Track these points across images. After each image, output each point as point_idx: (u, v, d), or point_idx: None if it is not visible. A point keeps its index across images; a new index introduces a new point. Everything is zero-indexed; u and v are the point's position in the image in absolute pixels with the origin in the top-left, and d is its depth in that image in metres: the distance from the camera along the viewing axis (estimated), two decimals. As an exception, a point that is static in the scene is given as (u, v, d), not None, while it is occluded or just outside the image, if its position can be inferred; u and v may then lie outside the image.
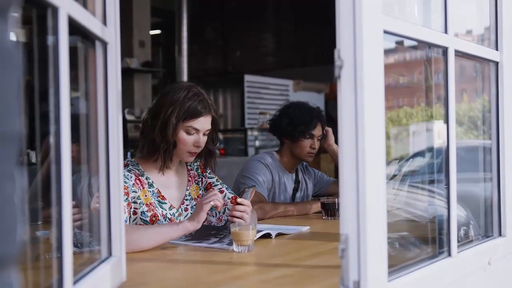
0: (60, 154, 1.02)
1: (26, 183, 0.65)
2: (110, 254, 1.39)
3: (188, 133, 2.22)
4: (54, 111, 1.02)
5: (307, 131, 3.02)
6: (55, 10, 1.01)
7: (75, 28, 1.13)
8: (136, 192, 2.17)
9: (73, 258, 1.06)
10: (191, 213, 2.32)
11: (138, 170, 2.25)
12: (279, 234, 2.21)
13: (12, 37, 0.58)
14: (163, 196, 2.27)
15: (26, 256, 1.13)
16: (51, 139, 1.02)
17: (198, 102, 2.21)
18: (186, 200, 2.36)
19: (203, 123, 2.23)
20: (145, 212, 2.19)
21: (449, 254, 1.53)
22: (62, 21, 1.02)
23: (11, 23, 0.57)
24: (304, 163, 3.24)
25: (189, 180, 2.40)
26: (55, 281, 1.02)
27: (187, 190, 2.38)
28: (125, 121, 5.11)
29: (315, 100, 6.76)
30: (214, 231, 2.15)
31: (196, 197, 2.39)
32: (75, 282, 1.10)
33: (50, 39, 1.03)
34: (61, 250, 1.02)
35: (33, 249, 1.34)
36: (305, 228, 2.38)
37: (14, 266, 0.58)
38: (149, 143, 2.23)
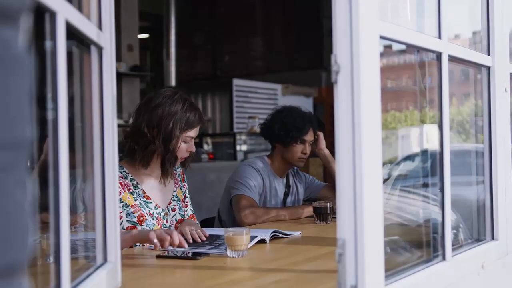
0: (58, 159, 1.01)
1: (36, 189, 0.64)
2: (105, 260, 1.38)
3: (185, 142, 2.32)
4: (52, 115, 1.01)
5: (299, 136, 3.02)
6: (53, 15, 1.00)
7: (71, 32, 1.12)
8: None
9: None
10: (179, 213, 2.42)
11: (121, 173, 2.29)
12: (274, 237, 2.21)
13: (23, 43, 0.58)
14: (148, 196, 2.32)
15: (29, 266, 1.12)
16: (49, 145, 1.01)
17: (195, 113, 2.33)
18: (174, 200, 2.44)
19: (197, 130, 2.37)
20: (131, 214, 2.24)
21: (444, 258, 1.54)
22: (60, 26, 1.01)
23: (22, 29, 0.57)
24: (295, 168, 3.24)
25: (175, 182, 2.48)
26: (53, 287, 1.01)
27: (174, 191, 2.45)
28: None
29: (304, 104, 6.77)
30: (209, 241, 2.14)
31: (181, 199, 2.48)
32: (72, 288, 1.09)
33: (47, 44, 1.02)
34: (58, 256, 1.02)
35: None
36: (297, 233, 2.38)
37: (25, 273, 0.58)
38: (150, 154, 2.28)
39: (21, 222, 0.56)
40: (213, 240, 2.16)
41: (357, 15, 1.17)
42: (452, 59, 1.61)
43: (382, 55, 1.52)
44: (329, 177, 3.53)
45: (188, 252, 1.93)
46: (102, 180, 1.38)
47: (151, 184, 2.36)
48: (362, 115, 1.17)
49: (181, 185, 2.52)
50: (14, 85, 0.55)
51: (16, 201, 0.55)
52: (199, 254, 1.89)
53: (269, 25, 10.18)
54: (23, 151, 0.57)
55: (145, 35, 10.32)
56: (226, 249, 1.90)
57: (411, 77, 1.97)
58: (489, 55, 1.85)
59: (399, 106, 2.04)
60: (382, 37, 1.26)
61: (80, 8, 1.27)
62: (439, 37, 1.54)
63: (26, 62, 0.57)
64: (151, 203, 2.32)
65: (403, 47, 1.59)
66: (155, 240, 1.90)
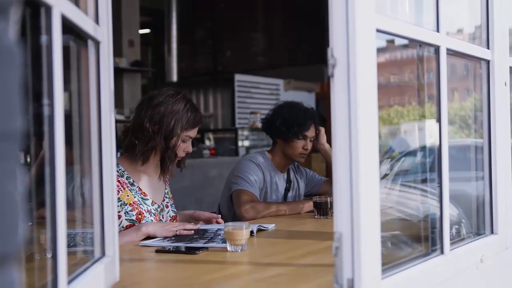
0: (54, 154, 1.01)
1: (26, 181, 0.65)
2: (103, 254, 1.39)
3: (183, 141, 2.35)
4: (48, 111, 1.01)
5: (301, 132, 3.01)
6: (48, 9, 1.00)
7: (67, 27, 1.12)
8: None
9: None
10: (172, 210, 2.48)
11: (118, 171, 2.30)
12: (259, 230, 2.27)
13: (13, 35, 0.58)
14: (144, 193, 2.35)
15: (20, 256, 1.12)
16: (45, 140, 1.01)
17: (196, 114, 2.37)
18: (166, 197, 2.48)
19: (196, 131, 2.41)
20: (129, 212, 2.27)
21: (442, 252, 1.54)
22: (55, 20, 1.01)
23: (12, 22, 0.57)
24: (296, 163, 3.24)
25: (166, 181, 2.52)
26: (50, 281, 1.02)
27: (166, 189, 2.50)
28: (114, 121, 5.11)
29: (306, 99, 6.77)
30: (197, 236, 2.14)
31: (171, 197, 2.53)
32: (69, 282, 1.10)
33: (43, 38, 1.02)
34: (55, 250, 1.02)
35: (24, 250, 1.33)
36: (271, 226, 2.41)
37: (16, 264, 0.59)
38: (150, 150, 2.31)
39: (11, 212, 0.56)
40: (202, 234, 2.16)
41: (353, 8, 1.16)
42: (451, 53, 1.61)
43: (384, 49, 1.52)
44: (330, 172, 3.53)
45: (187, 247, 1.94)
46: (100, 175, 1.39)
47: (145, 181, 2.39)
48: (358, 109, 1.17)
49: (168, 184, 2.57)
50: (3, 77, 0.55)
51: (7, 192, 0.56)
52: (198, 249, 1.89)
53: (270, 20, 10.18)
54: (13, 143, 0.57)
55: (147, 31, 10.31)
56: (222, 242, 1.91)
57: (413, 72, 1.96)
58: (488, 48, 1.85)
59: (402, 101, 2.04)
60: (378, 31, 1.26)
61: (77, 2, 1.27)
62: (437, 30, 1.54)
63: (16, 54, 0.58)
64: (148, 199, 2.35)
65: (406, 41, 1.59)
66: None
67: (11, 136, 0.56)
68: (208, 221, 2.45)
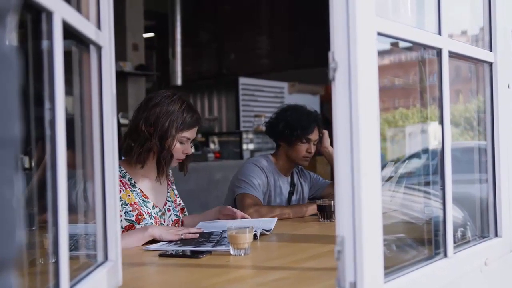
0: (56, 159, 1.02)
1: (24, 187, 0.65)
2: (106, 258, 1.39)
3: (181, 142, 2.35)
4: (49, 115, 1.02)
5: (304, 135, 3.01)
6: (49, 14, 1.00)
7: (69, 32, 1.12)
8: None
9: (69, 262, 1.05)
10: (173, 214, 2.47)
11: (120, 172, 2.30)
12: (262, 234, 2.26)
13: (10, 42, 0.58)
14: (146, 195, 2.36)
15: (22, 261, 1.13)
16: (47, 144, 1.01)
17: (192, 114, 2.35)
18: (168, 201, 2.47)
19: (195, 132, 2.39)
20: (130, 212, 2.27)
21: (445, 255, 1.53)
22: (56, 25, 1.02)
23: (9, 28, 0.57)
24: (300, 166, 3.23)
25: (168, 184, 2.51)
26: (52, 285, 1.02)
27: (168, 192, 2.49)
28: (119, 125, 5.12)
29: (310, 102, 6.77)
30: (202, 239, 2.14)
31: (173, 200, 2.51)
32: (71, 286, 1.10)
33: (44, 43, 1.02)
34: (57, 254, 1.02)
35: (27, 255, 1.33)
36: (274, 220, 2.45)
37: (13, 270, 0.59)
38: (146, 151, 2.31)
39: (8, 219, 0.56)
40: (207, 237, 2.16)
41: (353, 11, 1.16)
42: (453, 55, 1.60)
43: (389, 52, 1.52)
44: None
45: (191, 251, 1.94)
46: (102, 179, 1.39)
47: (147, 184, 2.39)
48: (359, 112, 1.17)
49: (173, 187, 2.56)
50: (1, 84, 0.55)
51: (4, 198, 0.56)
52: (202, 253, 1.89)
53: (274, 23, 10.17)
54: (11, 149, 0.57)
55: (151, 34, 10.32)
56: (227, 245, 1.91)
57: (417, 74, 1.96)
58: (491, 51, 1.84)
59: (407, 103, 2.04)
60: (379, 34, 1.25)
61: (78, 7, 1.28)
62: (439, 33, 1.53)
63: (13, 60, 0.58)
64: (149, 202, 2.35)
65: (410, 44, 1.58)
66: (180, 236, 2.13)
67: (9, 143, 0.56)
68: (232, 217, 2.47)
